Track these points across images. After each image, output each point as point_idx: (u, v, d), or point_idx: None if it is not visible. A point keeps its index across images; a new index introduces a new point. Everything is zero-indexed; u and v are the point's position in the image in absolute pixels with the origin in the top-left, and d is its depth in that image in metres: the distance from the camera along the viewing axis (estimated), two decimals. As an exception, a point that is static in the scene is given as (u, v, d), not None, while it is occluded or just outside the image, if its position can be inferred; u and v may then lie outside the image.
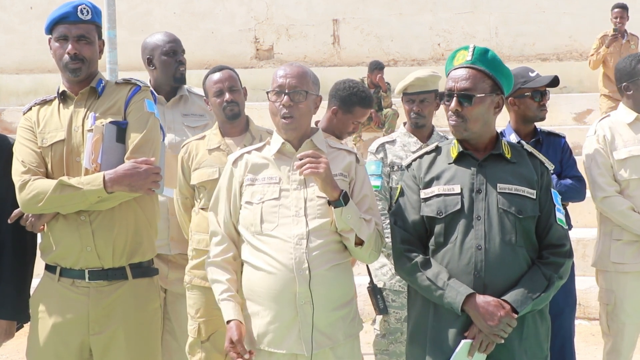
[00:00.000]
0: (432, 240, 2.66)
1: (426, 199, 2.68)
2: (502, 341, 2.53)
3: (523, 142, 3.50)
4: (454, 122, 2.67)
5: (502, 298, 2.54)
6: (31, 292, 3.04)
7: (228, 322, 2.67)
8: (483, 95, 2.65)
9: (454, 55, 2.74)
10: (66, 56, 2.83)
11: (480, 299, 2.53)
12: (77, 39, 2.83)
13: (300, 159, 2.61)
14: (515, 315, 2.53)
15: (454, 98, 2.65)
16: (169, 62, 3.85)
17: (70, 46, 2.82)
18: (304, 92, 2.72)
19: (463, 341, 2.54)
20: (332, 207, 2.63)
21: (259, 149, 2.84)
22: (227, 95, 3.39)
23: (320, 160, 2.60)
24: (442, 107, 2.81)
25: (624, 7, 8.88)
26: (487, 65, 2.68)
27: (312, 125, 2.87)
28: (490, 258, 2.57)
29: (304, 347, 2.62)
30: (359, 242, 2.68)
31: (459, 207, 2.62)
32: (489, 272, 2.56)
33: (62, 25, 2.83)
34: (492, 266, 2.57)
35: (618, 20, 8.88)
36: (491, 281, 2.56)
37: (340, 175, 2.74)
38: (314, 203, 2.68)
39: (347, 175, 2.78)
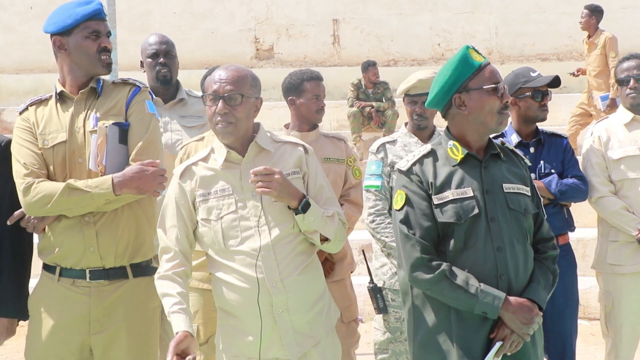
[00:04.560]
0: (450, 246, 2.60)
1: (440, 205, 2.61)
2: (529, 339, 2.57)
3: (509, 140, 3.53)
4: (508, 115, 2.68)
5: (527, 297, 2.57)
6: (29, 292, 3.04)
7: (177, 333, 2.53)
8: None
9: (468, 54, 2.67)
10: (101, 51, 2.85)
11: (514, 301, 2.54)
12: (106, 34, 2.88)
13: (255, 175, 2.56)
14: (541, 313, 2.58)
15: (507, 90, 2.65)
16: (152, 64, 3.88)
17: (105, 41, 2.86)
18: (240, 96, 2.63)
19: (497, 343, 2.55)
20: (293, 213, 2.61)
21: (205, 159, 2.74)
22: None
23: (272, 177, 2.55)
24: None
25: (589, 9, 9.01)
26: None
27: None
28: (510, 258, 2.57)
29: (287, 353, 2.62)
30: (325, 239, 2.67)
31: (476, 211, 2.58)
32: (511, 272, 2.57)
33: (93, 21, 2.85)
34: (512, 266, 2.58)
35: (580, 22, 9.05)
36: (514, 281, 2.58)
37: (293, 173, 2.69)
38: (272, 209, 2.63)
39: (299, 170, 2.71)
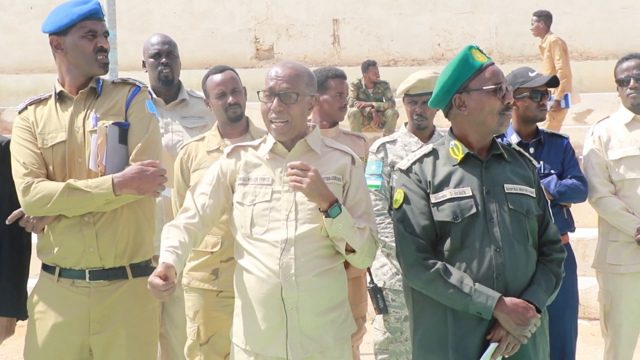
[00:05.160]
0: (447, 245, 2.60)
1: (438, 204, 2.61)
2: (526, 341, 2.54)
3: (510, 140, 3.53)
4: (510, 116, 2.66)
5: (525, 298, 2.54)
6: (27, 292, 3.04)
7: (163, 263, 2.51)
8: None
9: (470, 54, 2.66)
10: (98, 51, 2.84)
11: (509, 301, 2.51)
12: (103, 34, 2.87)
13: (291, 168, 2.56)
14: (539, 315, 2.54)
15: (508, 91, 2.62)
16: (154, 64, 3.88)
17: (102, 40, 2.85)
18: (295, 95, 2.64)
19: (492, 344, 2.52)
20: (323, 215, 2.60)
21: (255, 147, 2.78)
22: (230, 98, 3.38)
23: (306, 173, 2.54)
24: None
25: (536, 15, 9.22)
26: None
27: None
28: (508, 260, 2.55)
29: (289, 353, 2.61)
30: (351, 250, 2.64)
31: (474, 210, 2.57)
32: (509, 273, 2.55)
33: (90, 20, 2.84)
34: (511, 268, 2.55)
35: (531, 29, 9.27)
36: (512, 282, 2.55)
37: (334, 178, 2.68)
38: (304, 207, 2.63)
39: (341, 178, 2.70)
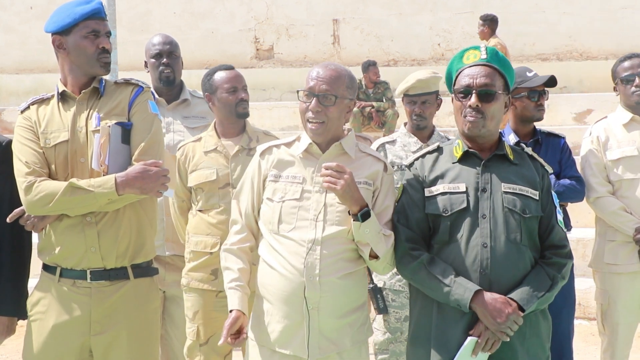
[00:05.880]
0: (436, 238, 2.65)
1: (431, 197, 2.67)
2: (508, 339, 2.53)
3: (523, 145, 3.53)
4: (472, 119, 2.63)
5: (509, 296, 2.54)
6: (28, 291, 3.04)
7: (231, 310, 2.66)
8: (500, 92, 2.67)
9: (462, 55, 2.72)
10: (99, 50, 2.84)
11: (488, 295, 2.52)
12: (105, 34, 2.87)
13: (326, 169, 2.57)
14: (522, 313, 2.53)
15: (474, 94, 2.63)
16: (155, 64, 3.90)
17: (104, 41, 2.86)
18: (334, 97, 2.65)
19: (469, 338, 2.52)
20: (351, 219, 2.61)
21: (288, 145, 2.79)
22: (242, 94, 3.41)
23: (341, 175, 2.55)
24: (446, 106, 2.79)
25: (481, 19, 9.40)
26: (499, 64, 2.70)
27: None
28: (496, 256, 2.56)
29: (307, 351, 2.62)
30: (374, 256, 2.65)
31: (464, 205, 2.61)
32: (495, 270, 2.56)
33: (92, 20, 2.84)
34: (497, 264, 2.56)
35: (478, 33, 9.48)
36: (497, 279, 2.56)
37: (365, 183, 2.69)
38: (333, 209, 2.64)
39: (372, 184, 2.71)
